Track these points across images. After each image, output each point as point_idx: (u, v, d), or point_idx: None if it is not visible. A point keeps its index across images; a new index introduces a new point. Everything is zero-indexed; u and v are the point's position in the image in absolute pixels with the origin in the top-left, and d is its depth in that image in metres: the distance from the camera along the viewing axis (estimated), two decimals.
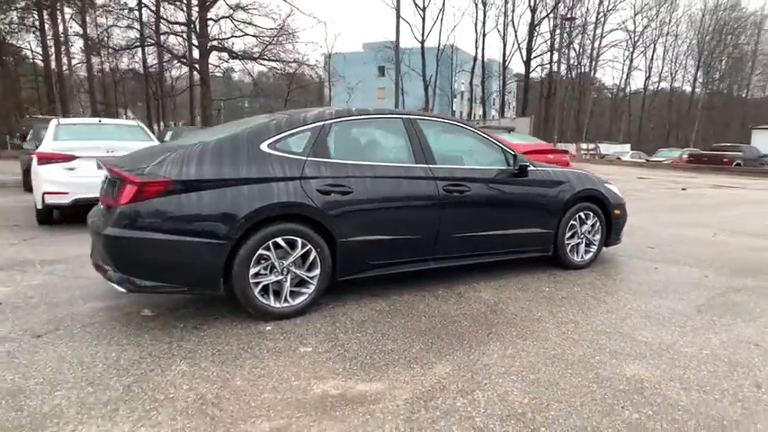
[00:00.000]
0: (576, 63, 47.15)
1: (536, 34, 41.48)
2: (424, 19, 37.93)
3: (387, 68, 50.11)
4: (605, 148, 35.91)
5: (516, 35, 42.63)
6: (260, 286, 3.25)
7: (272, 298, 3.31)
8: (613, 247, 5.26)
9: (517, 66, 43.88)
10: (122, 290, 3.05)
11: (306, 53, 36.95)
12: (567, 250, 4.65)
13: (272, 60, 29.78)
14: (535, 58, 42.71)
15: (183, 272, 3.14)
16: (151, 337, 3.06)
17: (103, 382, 2.51)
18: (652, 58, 52.96)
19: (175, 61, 31.10)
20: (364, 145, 3.93)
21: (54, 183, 6.07)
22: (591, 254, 4.83)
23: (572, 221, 4.63)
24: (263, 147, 3.37)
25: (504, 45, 41.76)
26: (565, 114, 45.68)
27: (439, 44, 42.00)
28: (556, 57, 43.57)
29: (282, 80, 35.02)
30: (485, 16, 41.15)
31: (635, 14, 50.99)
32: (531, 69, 42.80)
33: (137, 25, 29.84)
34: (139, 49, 30.65)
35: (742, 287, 4.30)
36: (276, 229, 3.25)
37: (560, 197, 4.52)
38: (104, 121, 7.83)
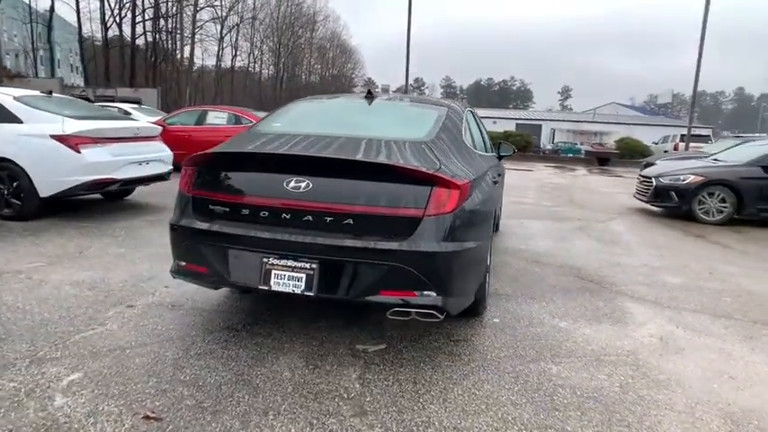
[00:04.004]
0: (176, 34, 45.88)
1: None
2: None
3: None
4: None
5: None
6: None
7: None
8: None
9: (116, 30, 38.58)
10: (439, 317, 2.52)
11: None
12: None
13: None
14: (140, 23, 39.23)
15: (476, 280, 2.85)
16: (454, 363, 2.69)
17: (538, 404, 2.34)
18: (237, 39, 57.27)
19: None
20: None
21: None
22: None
23: None
24: (465, 140, 3.26)
25: (102, 5, 36.47)
26: (174, 85, 44.10)
27: None
28: (161, 25, 41.24)
29: None
30: None
31: None
32: (137, 35, 39.17)
33: None
34: None
35: (582, 227, 6.75)
36: None
37: (502, 176, 5.79)
38: None
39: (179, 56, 46.74)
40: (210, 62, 57.10)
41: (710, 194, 7.37)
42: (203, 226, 2.64)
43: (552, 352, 2.87)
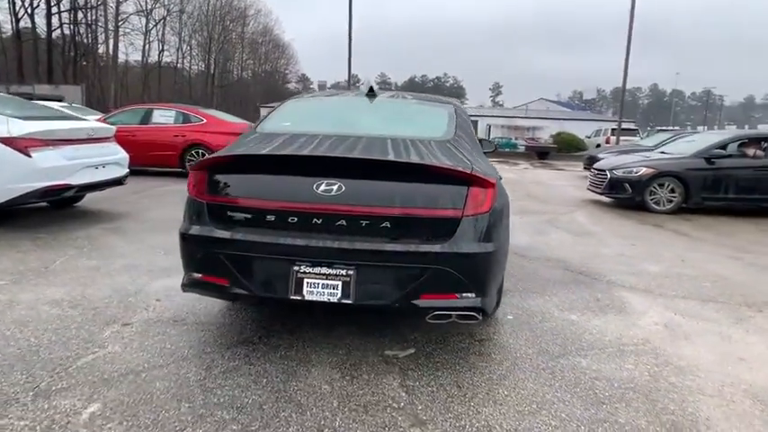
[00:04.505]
0: (97, 27, 42.96)
1: None
2: None
3: None
4: None
5: None
6: None
7: None
8: None
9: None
10: (478, 318, 2.48)
11: None
12: None
13: None
14: (55, 14, 36.28)
15: (501, 279, 2.83)
16: (489, 364, 2.68)
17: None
18: (164, 33, 54.48)
19: None
20: None
21: None
22: None
23: None
24: None
25: None
26: (96, 82, 41.24)
27: None
28: (80, 17, 38.42)
29: None
30: None
31: None
32: (53, 28, 36.22)
33: None
34: None
35: (549, 220, 6.98)
36: None
37: None
38: None
39: (101, 51, 43.92)
40: (135, 57, 54.13)
41: (661, 185, 7.85)
42: (224, 234, 2.45)
43: (575, 345, 2.92)
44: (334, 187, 2.37)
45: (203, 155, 9.71)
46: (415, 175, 2.42)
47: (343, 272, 2.36)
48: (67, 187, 5.21)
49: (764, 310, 3.64)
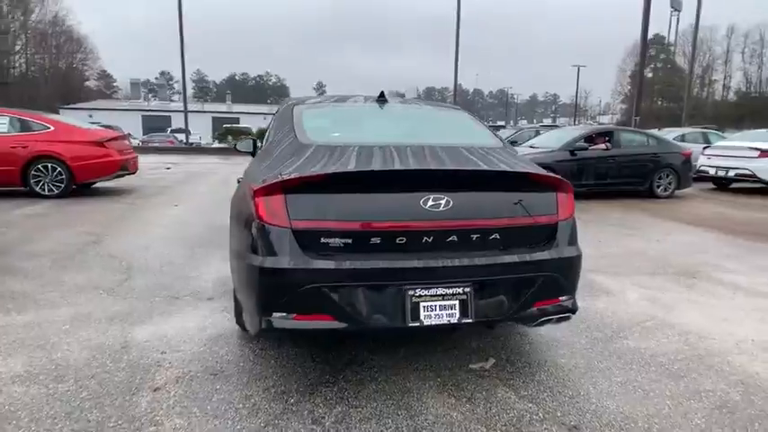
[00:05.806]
0: None
1: None
2: None
3: None
4: None
5: None
6: None
7: None
8: None
9: None
10: (570, 318, 2.58)
11: None
12: None
13: None
14: None
15: None
16: (566, 360, 2.81)
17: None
18: None
19: None
20: None
21: None
22: None
23: None
24: None
25: None
26: None
27: None
28: None
29: None
30: None
31: None
32: None
33: None
34: None
35: None
36: None
37: None
38: None
39: None
40: None
41: None
42: (325, 264, 2.13)
43: (610, 329, 3.21)
44: (443, 201, 2.24)
45: (54, 169, 8.09)
46: (514, 184, 2.41)
47: (460, 290, 2.25)
48: None
49: (696, 276, 4.43)
